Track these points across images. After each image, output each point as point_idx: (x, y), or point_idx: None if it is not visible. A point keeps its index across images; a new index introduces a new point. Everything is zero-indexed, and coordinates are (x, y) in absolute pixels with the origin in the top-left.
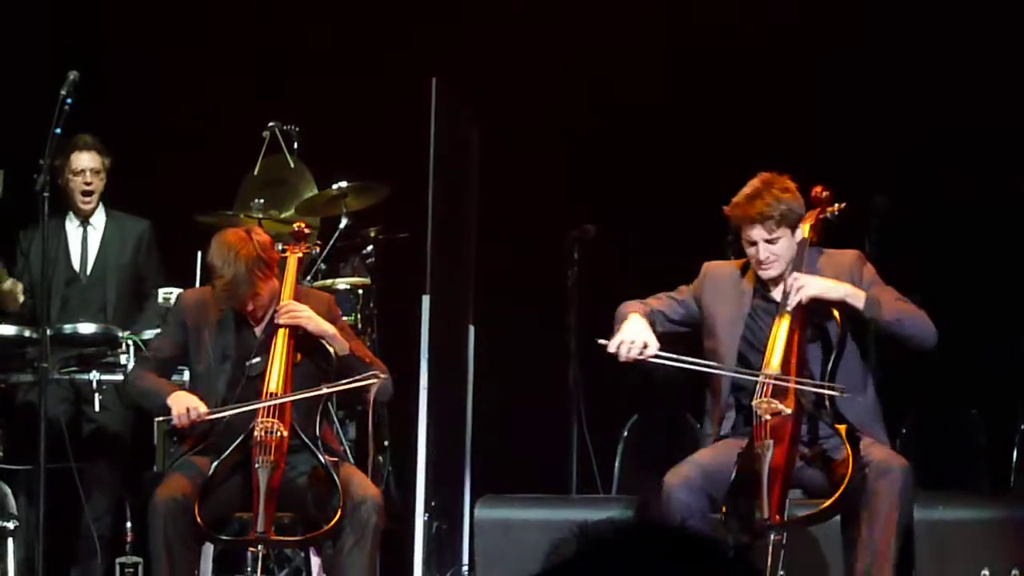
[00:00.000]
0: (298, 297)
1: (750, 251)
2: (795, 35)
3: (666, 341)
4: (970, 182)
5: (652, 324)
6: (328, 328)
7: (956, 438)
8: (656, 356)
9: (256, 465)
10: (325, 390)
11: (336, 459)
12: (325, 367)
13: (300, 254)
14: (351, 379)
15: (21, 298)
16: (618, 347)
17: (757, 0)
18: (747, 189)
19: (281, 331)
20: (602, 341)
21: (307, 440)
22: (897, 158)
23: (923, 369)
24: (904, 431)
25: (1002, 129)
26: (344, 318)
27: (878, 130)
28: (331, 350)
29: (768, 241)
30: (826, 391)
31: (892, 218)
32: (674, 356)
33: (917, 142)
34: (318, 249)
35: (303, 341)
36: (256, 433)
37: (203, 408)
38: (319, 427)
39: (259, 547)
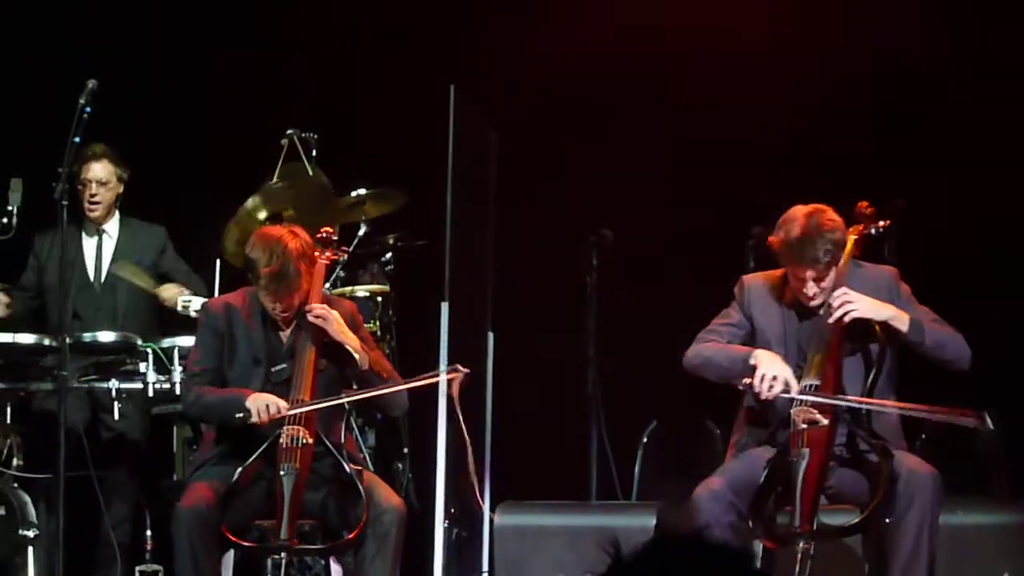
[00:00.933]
0: (325, 303)
1: (796, 284)
2: (813, 40)
3: None
4: (987, 184)
5: None
6: (351, 339)
7: (974, 442)
8: (798, 394)
9: (281, 472)
10: (345, 398)
11: (359, 467)
12: (348, 375)
13: (326, 261)
14: (421, 377)
15: (3, 311)
16: (761, 383)
17: (781, 7)
18: (795, 229)
19: (307, 337)
20: (747, 380)
21: (331, 447)
22: (915, 162)
23: (940, 373)
24: (923, 435)
25: (1016, 132)
26: (364, 325)
27: (896, 134)
28: (355, 357)
29: (817, 279)
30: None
31: (911, 221)
32: (811, 394)
33: (935, 146)
34: (345, 256)
35: (327, 348)
36: (281, 440)
37: (284, 404)
38: (342, 435)
39: (282, 555)
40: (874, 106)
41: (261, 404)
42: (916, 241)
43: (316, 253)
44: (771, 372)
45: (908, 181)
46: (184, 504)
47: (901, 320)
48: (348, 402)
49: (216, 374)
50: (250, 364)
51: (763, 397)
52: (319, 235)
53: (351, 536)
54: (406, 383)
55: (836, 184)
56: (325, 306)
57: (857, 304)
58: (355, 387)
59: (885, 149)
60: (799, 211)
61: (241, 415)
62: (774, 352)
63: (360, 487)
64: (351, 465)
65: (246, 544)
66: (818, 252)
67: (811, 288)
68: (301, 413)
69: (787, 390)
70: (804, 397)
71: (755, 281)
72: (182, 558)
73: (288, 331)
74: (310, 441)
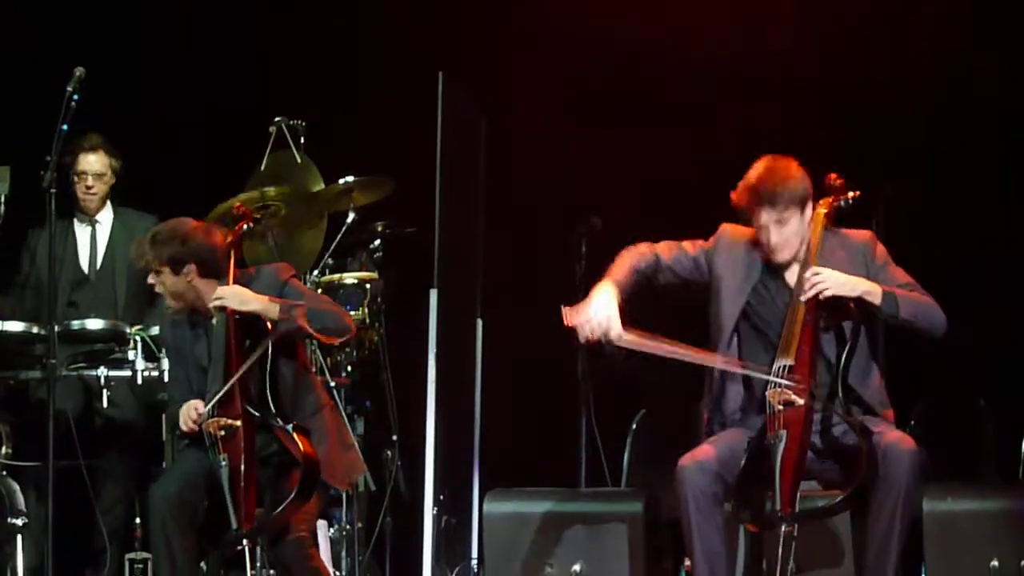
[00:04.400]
0: (243, 279)
1: (760, 236)
2: (805, 22)
3: (669, 293)
4: (975, 170)
5: (654, 275)
6: (255, 303)
7: (964, 429)
8: (617, 342)
9: (220, 464)
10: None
11: (300, 428)
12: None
13: (233, 237)
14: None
15: None
16: (583, 327)
17: None
18: (752, 173)
19: (221, 326)
20: (567, 309)
21: (261, 416)
22: (903, 147)
23: (930, 360)
24: (912, 422)
25: (1011, 116)
26: (352, 313)
27: (884, 118)
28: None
29: (778, 222)
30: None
31: (898, 206)
32: (637, 342)
33: (923, 130)
34: (252, 224)
35: (243, 324)
36: (210, 433)
37: (202, 406)
38: (279, 394)
39: (244, 543)
40: (867, 89)
41: (184, 416)
42: (905, 225)
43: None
44: (594, 317)
45: (898, 165)
46: (156, 489)
47: (874, 294)
48: (231, 383)
49: (184, 383)
50: (198, 373)
51: (581, 340)
52: (230, 213)
53: (275, 516)
54: (245, 364)
55: (828, 168)
56: (219, 288)
57: (829, 283)
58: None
59: (875, 133)
60: (759, 161)
61: (178, 432)
62: (724, 303)
63: (299, 445)
64: (283, 422)
65: (207, 546)
66: (776, 189)
67: (774, 234)
68: (215, 405)
69: (606, 337)
70: (622, 347)
71: (733, 231)
72: (156, 541)
73: None
74: (236, 424)
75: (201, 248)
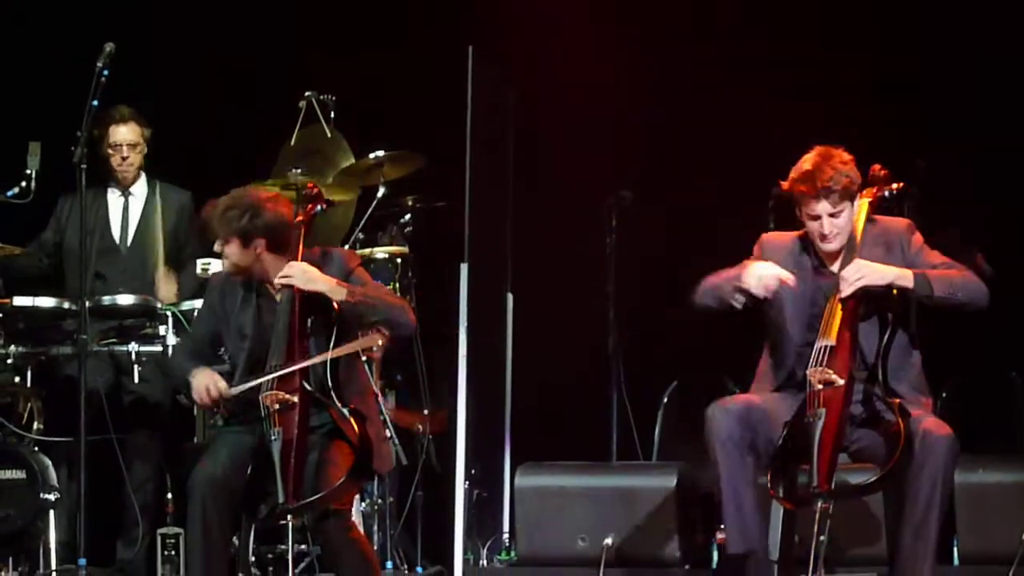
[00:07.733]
0: (311, 259)
1: (812, 225)
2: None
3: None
4: (1007, 144)
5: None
6: (322, 284)
7: (996, 401)
8: (788, 282)
9: (271, 439)
10: (317, 358)
11: (356, 413)
12: (332, 322)
13: (304, 217)
14: (348, 344)
15: None
16: (758, 283)
17: None
18: (806, 164)
19: (285, 301)
20: (739, 285)
21: (321, 397)
22: (935, 122)
23: (963, 333)
24: (944, 394)
25: None
26: (359, 268)
27: (916, 95)
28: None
29: (832, 215)
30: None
31: (931, 182)
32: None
33: (955, 106)
34: (324, 206)
35: (308, 302)
36: (267, 406)
37: (223, 385)
38: (339, 376)
39: (288, 518)
40: (902, 64)
41: (201, 384)
42: (937, 198)
43: (299, 213)
44: (767, 270)
45: (930, 141)
46: (200, 468)
47: (906, 279)
48: (303, 366)
49: (199, 343)
50: (239, 339)
51: (762, 296)
52: (300, 193)
53: (322, 494)
54: (329, 353)
55: (861, 144)
56: (288, 263)
57: (860, 275)
58: (337, 327)
59: (910, 109)
60: (809, 152)
61: (182, 397)
62: (787, 313)
63: (355, 428)
64: (342, 407)
65: (250, 517)
66: (829, 181)
67: (827, 225)
68: (275, 379)
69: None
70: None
71: (774, 240)
72: (193, 523)
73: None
74: (293, 399)
75: (272, 222)
